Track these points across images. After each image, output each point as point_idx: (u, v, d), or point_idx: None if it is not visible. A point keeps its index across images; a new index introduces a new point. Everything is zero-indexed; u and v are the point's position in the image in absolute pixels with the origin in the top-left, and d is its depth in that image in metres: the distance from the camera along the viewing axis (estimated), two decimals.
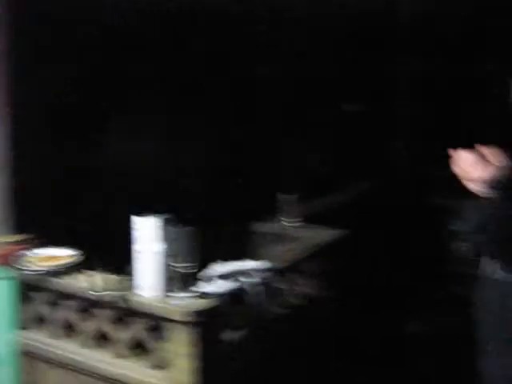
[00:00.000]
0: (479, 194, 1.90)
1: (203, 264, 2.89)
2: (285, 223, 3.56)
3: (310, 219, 3.91)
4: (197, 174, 3.94)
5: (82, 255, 2.96)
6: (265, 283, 2.83)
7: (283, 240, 3.55)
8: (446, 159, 2.03)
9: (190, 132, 3.88)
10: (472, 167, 1.93)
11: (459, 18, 5.37)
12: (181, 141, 3.81)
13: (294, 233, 3.58)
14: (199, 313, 2.48)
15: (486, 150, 1.94)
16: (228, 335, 2.76)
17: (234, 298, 2.65)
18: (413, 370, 4.14)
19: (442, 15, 5.42)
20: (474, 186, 1.92)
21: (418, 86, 5.79)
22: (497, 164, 1.90)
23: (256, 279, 2.82)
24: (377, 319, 4.30)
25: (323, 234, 3.58)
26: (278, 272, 3.02)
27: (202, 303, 2.54)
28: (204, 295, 2.57)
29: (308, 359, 3.33)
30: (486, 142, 2.02)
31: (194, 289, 2.61)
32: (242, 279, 2.79)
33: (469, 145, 2.05)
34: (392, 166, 5.53)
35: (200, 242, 2.64)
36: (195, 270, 2.59)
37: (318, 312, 3.46)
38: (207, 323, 2.53)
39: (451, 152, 2.00)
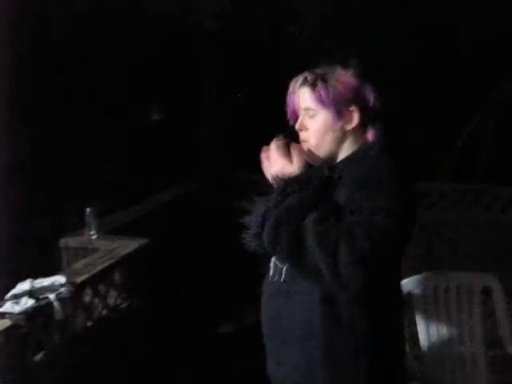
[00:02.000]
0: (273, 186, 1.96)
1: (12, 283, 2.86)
2: (90, 236, 3.57)
3: (116, 230, 3.95)
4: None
5: None
6: (66, 298, 2.83)
7: (88, 253, 3.55)
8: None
9: None
10: (269, 160, 1.99)
11: None
12: None
13: (99, 245, 3.60)
14: None
15: (292, 146, 1.99)
16: (32, 353, 2.73)
17: (33, 315, 2.63)
18: (226, 368, 4.27)
19: None
20: (270, 179, 1.98)
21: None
22: (290, 161, 1.96)
23: (57, 294, 2.81)
24: (189, 322, 4.40)
25: (128, 244, 3.63)
26: (80, 285, 3.03)
27: (1, 323, 2.49)
28: (2, 315, 2.53)
29: (121, 367, 3.37)
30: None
31: None
32: (43, 296, 2.77)
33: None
34: (202, 172, 5.65)
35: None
36: None
37: (127, 320, 3.51)
38: (6, 343, 2.49)
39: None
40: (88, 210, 3.49)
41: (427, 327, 2.97)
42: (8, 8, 3.16)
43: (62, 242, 3.73)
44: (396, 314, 2.11)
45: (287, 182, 1.90)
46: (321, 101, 1.99)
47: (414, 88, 6.28)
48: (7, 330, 2.47)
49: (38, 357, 2.75)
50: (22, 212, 3.92)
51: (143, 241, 3.68)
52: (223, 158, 5.62)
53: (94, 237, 3.52)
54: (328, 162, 2.04)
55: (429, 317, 2.98)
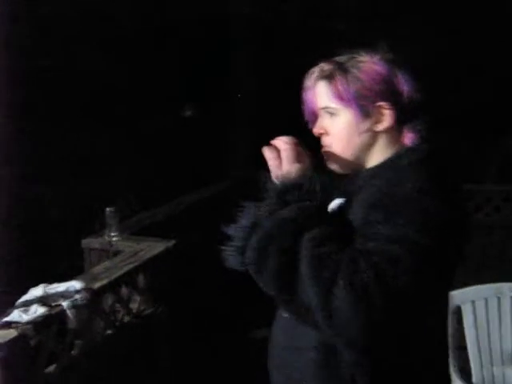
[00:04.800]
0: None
1: (24, 288, 2.68)
2: (110, 238, 3.37)
3: (142, 232, 3.76)
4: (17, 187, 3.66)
5: None
6: (82, 305, 2.62)
7: (110, 255, 3.36)
8: None
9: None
10: (279, 158, 1.62)
11: None
12: None
13: (122, 247, 3.41)
14: (1, 345, 2.23)
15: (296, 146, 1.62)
16: (44, 365, 2.53)
17: (43, 324, 2.42)
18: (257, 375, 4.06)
19: None
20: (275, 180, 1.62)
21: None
22: (294, 163, 1.59)
23: (74, 300, 2.61)
24: (218, 328, 4.20)
25: (154, 246, 3.43)
26: (98, 291, 2.82)
27: (5, 334, 2.29)
28: (8, 325, 2.33)
29: (145, 378, 3.18)
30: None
31: (2, 319, 2.36)
32: (58, 302, 2.57)
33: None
34: (230, 174, 5.46)
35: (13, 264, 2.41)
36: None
37: (152, 327, 3.30)
38: (13, 355, 2.28)
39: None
40: (108, 210, 3.28)
41: (478, 343, 2.73)
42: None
43: (85, 242, 3.55)
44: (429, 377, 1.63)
45: (289, 187, 1.54)
46: (340, 97, 1.60)
47: (459, 87, 6.03)
48: (13, 340, 2.26)
49: (51, 369, 2.54)
50: (44, 211, 3.76)
51: (170, 243, 3.47)
52: (253, 160, 5.41)
53: (114, 238, 3.31)
54: (355, 172, 1.66)
55: (479, 332, 2.73)
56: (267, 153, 1.63)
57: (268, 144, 1.66)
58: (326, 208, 1.57)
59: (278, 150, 1.62)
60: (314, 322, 1.42)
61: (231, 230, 1.58)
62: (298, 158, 1.60)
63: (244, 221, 1.56)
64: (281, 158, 1.60)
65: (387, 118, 1.61)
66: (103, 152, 4.01)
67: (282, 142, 1.63)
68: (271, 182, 1.59)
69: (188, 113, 5.14)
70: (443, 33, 5.68)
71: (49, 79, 3.66)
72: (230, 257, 1.58)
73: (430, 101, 1.69)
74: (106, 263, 3.21)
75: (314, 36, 5.34)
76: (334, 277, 1.37)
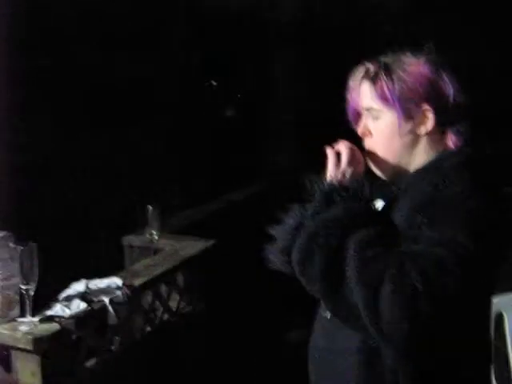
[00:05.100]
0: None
1: (64, 283, 2.71)
2: (151, 236, 3.39)
3: (182, 230, 3.78)
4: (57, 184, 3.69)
5: None
6: (122, 301, 2.65)
7: (150, 253, 3.39)
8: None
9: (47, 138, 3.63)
10: (334, 157, 1.64)
11: None
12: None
13: (163, 245, 3.43)
14: (43, 338, 2.27)
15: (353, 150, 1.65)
16: (85, 360, 2.56)
17: (85, 320, 2.45)
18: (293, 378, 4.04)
19: None
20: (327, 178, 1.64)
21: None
22: (344, 167, 1.62)
23: (115, 297, 2.64)
24: (255, 329, 4.19)
25: (194, 245, 3.44)
26: (139, 288, 2.85)
27: (48, 328, 2.32)
28: (51, 318, 2.36)
29: (182, 376, 3.19)
30: None
31: (45, 312, 2.40)
32: (99, 298, 2.60)
33: None
34: (270, 172, 5.45)
35: (53, 259, 2.45)
36: (35, 291, 2.33)
37: (190, 325, 3.32)
38: (54, 349, 2.32)
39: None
40: (150, 207, 3.31)
41: None
42: None
43: (125, 240, 3.58)
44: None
45: (338, 189, 1.56)
46: (384, 98, 1.59)
47: (504, 88, 5.92)
48: (56, 334, 2.30)
49: (90, 363, 2.57)
50: (84, 209, 3.80)
51: (210, 242, 3.49)
52: (295, 159, 5.39)
53: (155, 236, 3.33)
54: (397, 175, 1.65)
55: None
56: (329, 152, 1.65)
57: (328, 144, 1.68)
58: (373, 210, 1.58)
59: (338, 153, 1.65)
60: (359, 323, 1.42)
61: (276, 231, 1.61)
62: (354, 162, 1.62)
63: (290, 221, 1.59)
64: (340, 159, 1.63)
65: (430, 121, 1.60)
66: (145, 151, 4.04)
67: (343, 145, 1.65)
68: (321, 182, 1.60)
69: (228, 111, 5.16)
70: (485, 33, 5.58)
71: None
72: (274, 257, 1.60)
73: (474, 103, 1.67)
74: (147, 261, 3.24)
75: (358, 36, 5.30)
76: (380, 279, 1.37)
